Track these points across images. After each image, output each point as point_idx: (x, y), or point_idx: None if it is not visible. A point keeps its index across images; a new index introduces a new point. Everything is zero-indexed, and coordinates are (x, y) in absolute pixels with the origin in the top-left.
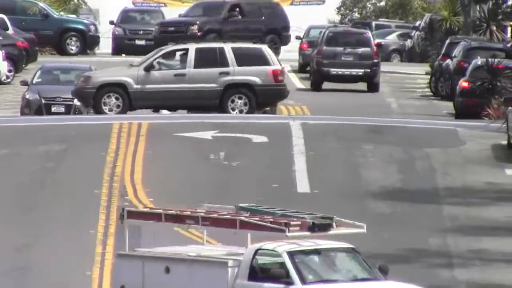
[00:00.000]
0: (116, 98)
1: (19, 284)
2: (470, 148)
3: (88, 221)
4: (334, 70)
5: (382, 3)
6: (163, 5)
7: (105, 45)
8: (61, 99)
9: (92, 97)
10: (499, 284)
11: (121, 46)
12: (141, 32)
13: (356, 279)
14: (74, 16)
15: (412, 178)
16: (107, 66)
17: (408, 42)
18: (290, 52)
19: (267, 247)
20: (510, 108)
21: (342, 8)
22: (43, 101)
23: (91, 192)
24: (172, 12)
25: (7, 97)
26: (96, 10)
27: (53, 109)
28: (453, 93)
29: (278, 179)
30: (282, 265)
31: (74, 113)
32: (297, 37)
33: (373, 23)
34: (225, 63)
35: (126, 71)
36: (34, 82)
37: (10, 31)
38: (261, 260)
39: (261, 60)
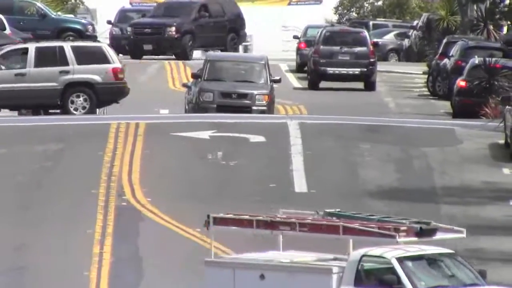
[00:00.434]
0: None
1: (17, 284)
2: (468, 147)
3: (86, 221)
4: (331, 69)
5: (380, 3)
6: None
7: None
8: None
9: None
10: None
11: (119, 46)
12: None
13: (465, 285)
14: (71, 16)
15: (409, 177)
16: None
17: (406, 42)
18: (288, 52)
19: (373, 253)
20: (507, 107)
21: (339, 7)
22: None
23: (88, 192)
24: None
25: None
26: (93, 10)
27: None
28: (450, 92)
29: (276, 178)
30: (391, 271)
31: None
32: (295, 37)
33: (371, 23)
34: (65, 62)
35: None
36: None
37: (8, 31)
38: (367, 266)
39: (101, 58)
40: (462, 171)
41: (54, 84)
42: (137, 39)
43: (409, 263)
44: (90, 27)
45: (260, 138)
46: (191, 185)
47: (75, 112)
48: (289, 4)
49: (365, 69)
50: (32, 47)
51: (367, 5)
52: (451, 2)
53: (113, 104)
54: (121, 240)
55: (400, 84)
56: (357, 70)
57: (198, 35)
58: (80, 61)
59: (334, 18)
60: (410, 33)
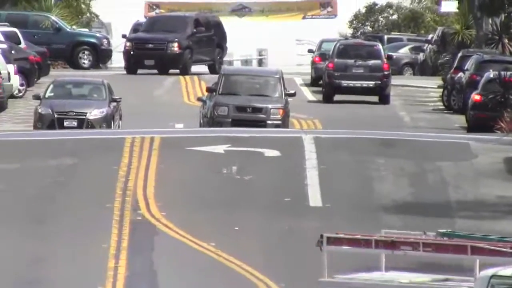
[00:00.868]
0: None
1: None
2: (482, 162)
3: (101, 235)
4: (345, 82)
5: (395, 17)
6: None
7: (118, 59)
8: (74, 113)
9: None
10: None
11: None
12: None
13: None
14: (86, 29)
15: (424, 191)
16: (117, 80)
17: (420, 56)
18: (302, 66)
19: (504, 273)
20: None
21: (354, 21)
22: (55, 115)
23: (103, 206)
24: None
25: (19, 111)
26: (108, 24)
27: (66, 123)
28: (465, 106)
29: (291, 192)
30: None
31: (87, 127)
32: (309, 51)
33: (385, 37)
34: None
35: None
36: (46, 96)
37: (22, 45)
38: (497, 286)
39: None
40: (476, 185)
41: None
42: (138, 54)
43: None
44: (105, 41)
45: (275, 152)
46: (206, 200)
47: None
48: (303, 18)
49: (379, 82)
50: None
51: (381, 19)
52: (466, 16)
53: (128, 118)
54: (136, 254)
55: (415, 98)
56: (371, 83)
57: (195, 50)
58: None
59: (349, 32)
60: (425, 47)
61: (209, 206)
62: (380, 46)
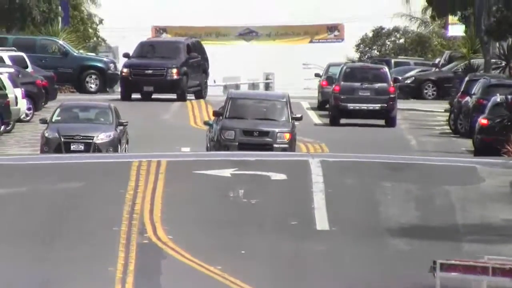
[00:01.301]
0: None
1: None
2: (489, 185)
3: (108, 259)
4: (351, 105)
5: (402, 41)
6: None
7: None
8: (80, 137)
9: None
10: None
11: None
12: None
13: None
14: (93, 54)
15: (431, 215)
16: (124, 104)
17: None
18: (309, 90)
19: None
20: None
21: (361, 45)
22: (62, 139)
23: (110, 230)
24: None
25: (26, 135)
26: (115, 48)
27: (73, 147)
28: (472, 130)
29: (297, 216)
30: None
31: (94, 151)
32: (316, 75)
33: (392, 61)
34: None
35: None
36: (53, 120)
37: (30, 69)
38: None
39: None
40: (483, 209)
41: None
42: (136, 80)
43: None
44: (112, 65)
45: (282, 176)
46: (212, 223)
47: None
48: (310, 42)
49: (386, 105)
50: None
51: (388, 43)
52: (473, 40)
53: (134, 142)
54: (142, 278)
55: (421, 121)
56: (377, 106)
57: (190, 75)
58: None
59: (356, 56)
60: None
61: (215, 229)
62: (386, 69)
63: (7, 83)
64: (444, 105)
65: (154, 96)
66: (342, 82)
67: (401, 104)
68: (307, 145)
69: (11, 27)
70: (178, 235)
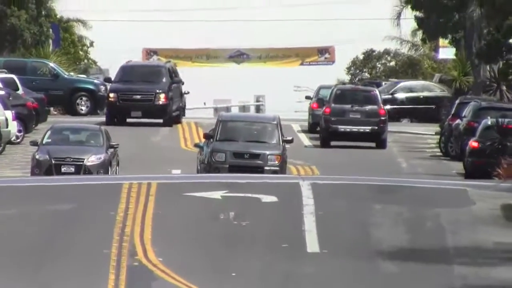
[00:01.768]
0: None
1: None
2: (480, 208)
3: (98, 281)
4: (342, 127)
5: (392, 63)
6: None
7: None
8: (71, 159)
9: None
10: None
11: None
12: None
13: None
14: (84, 76)
15: (421, 238)
16: (114, 126)
17: None
18: (300, 112)
19: None
20: None
21: (352, 68)
22: (53, 161)
23: (100, 252)
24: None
25: (17, 157)
26: (106, 70)
27: (63, 169)
28: (463, 153)
29: (288, 238)
30: None
31: (84, 173)
32: (307, 97)
33: (383, 83)
34: None
35: None
36: (44, 142)
37: (20, 91)
38: None
39: None
40: (474, 232)
41: None
42: (124, 105)
43: None
44: (102, 87)
45: (272, 198)
46: (203, 245)
47: None
48: (301, 64)
49: (376, 127)
50: None
51: (379, 65)
52: (464, 62)
53: (125, 164)
54: None
55: (412, 144)
56: (368, 128)
57: (174, 100)
58: None
59: (347, 78)
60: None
61: (206, 251)
62: (377, 91)
63: None
64: (435, 127)
65: (139, 120)
66: (332, 104)
67: (391, 126)
68: (298, 168)
69: (1, 49)
70: (169, 257)
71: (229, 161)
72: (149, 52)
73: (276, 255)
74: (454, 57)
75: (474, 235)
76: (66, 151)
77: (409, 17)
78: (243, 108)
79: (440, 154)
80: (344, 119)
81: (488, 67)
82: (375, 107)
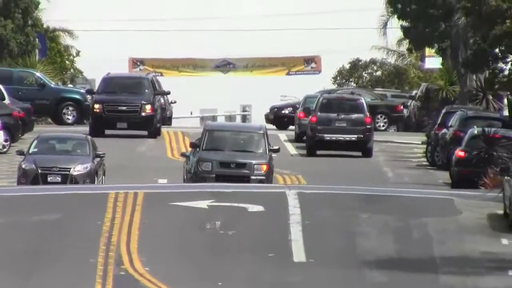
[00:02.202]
0: None
1: None
2: (467, 218)
3: None
4: (328, 136)
5: (379, 73)
6: (159, 74)
7: None
8: (57, 168)
9: None
10: None
11: None
12: None
13: None
14: (70, 85)
15: (408, 247)
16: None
17: (404, 112)
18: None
19: None
20: (506, 177)
21: (338, 77)
22: (39, 171)
23: (87, 261)
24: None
25: (3, 167)
26: (92, 80)
27: (50, 178)
28: (449, 162)
29: (274, 248)
30: None
31: (71, 183)
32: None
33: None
34: None
35: None
36: (30, 152)
37: (7, 100)
38: None
39: None
40: (461, 241)
41: None
42: (110, 116)
43: None
44: (89, 97)
45: (259, 208)
46: (189, 255)
47: None
48: (287, 74)
49: (362, 136)
50: None
51: (365, 75)
52: (450, 72)
53: (111, 174)
54: None
55: (398, 154)
56: (353, 137)
57: (157, 111)
58: None
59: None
60: (408, 103)
61: (192, 261)
62: (363, 100)
63: None
64: (421, 137)
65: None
66: (318, 113)
67: (378, 136)
68: (284, 177)
69: None
70: (155, 267)
71: (215, 170)
72: (136, 62)
73: (262, 264)
74: (441, 66)
75: (460, 245)
76: (52, 161)
77: (396, 26)
78: (229, 118)
79: (427, 163)
80: (330, 128)
81: (474, 77)
82: (361, 115)
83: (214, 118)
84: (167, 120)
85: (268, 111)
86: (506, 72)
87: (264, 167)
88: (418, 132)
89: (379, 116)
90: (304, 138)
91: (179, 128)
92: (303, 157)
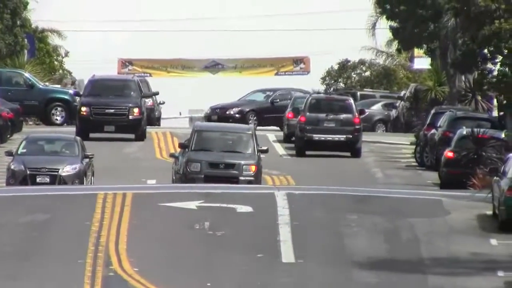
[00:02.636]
0: None
1: None
2: (455, 218)
3: None
4: (316, 136)
5: (367, 73)
6: (148, 75)
7: None
8: (46, 169)
9: None
10: None
11: None
12: None
13: None
14: (59, 86)
15: (397, 248)
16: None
17: (393, 112)
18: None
19: None
20: (495, 178)
21: (327, 78)
22: (28, 172)
23: (75, 262)
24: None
25: None
26: (80, 81)
27: (38, 179)
28: (438, 163)
29: (263, 248)
30: None
31: (59, 183)
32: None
33: (358, 93)
34: None
35: None
36: (19, 152)
37: None
38: None
39: None
40: (450, 242)
41: None
42: (98, 120)
43: None
44: (77, 98)
45: (248, 208)
46: (178, 255)
47: None
48: (276, 74)
49: (351, 136)
50: None
51: (354, 75)
52: (439, 72)
53: (100, 174)
54: None
55: (387, 154)
56: (342, 137)
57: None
58: None
59: (322, 88)
60: (397, 104)
61: (181, 261)
62: (351, 101)
63: None
64: (410, 137)
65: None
66: (307, 113)
67: (367, 136)
68: (273, 178)
69: None
70: (144, 267)
71: (204, 171)
72: (124, 63)
73: (251, 265)
74: (429, 67)
75: (449, 245)
76: (41, 161)
77: (385, 27)
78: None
79: (416, 164)
80: (319, 128)
81: (463, 77)
82: (349, 115)
83: (203, 118)
84: (156, 121)
85: (209, 111)
86: (495, 73)
87: (253, 168)
88: (407, 132)
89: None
90: (293, 138)
91: (168, 129)
92: (292, 157)
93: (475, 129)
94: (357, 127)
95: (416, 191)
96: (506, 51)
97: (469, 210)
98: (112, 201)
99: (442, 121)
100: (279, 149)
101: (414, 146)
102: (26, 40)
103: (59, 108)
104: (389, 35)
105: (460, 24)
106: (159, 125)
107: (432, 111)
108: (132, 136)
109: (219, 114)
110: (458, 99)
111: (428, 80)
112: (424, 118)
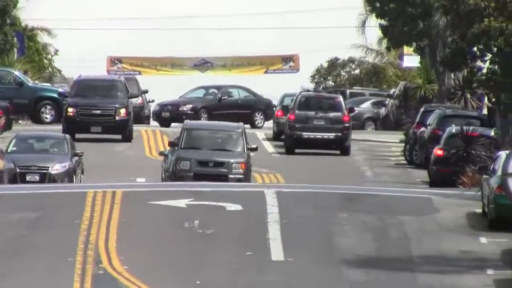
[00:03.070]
0: None
1: None
2: (445, 216)
3: None
4: (306, 134)
5: (357, 71)
6: (137, 73)
7: None
8: (36, 167)
9: None
10: None
11: None
12: None
13: None
14: (48, 84)
15: (386, 246)
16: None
17: (382, 110)
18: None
19: None
20: (484, 176)
21: (316, 76)
22: (17, 170)
23: (65, 260)
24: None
25: None
26: (70, 79)
27: (28, 177)
28: (427, 161)
29: (252, 247)
30: None
31: (49, 182)
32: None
33: (348, 91)
34: None
35: None
36: (9, 150)
37: None
38: None
39: None
40: (439, 240)
41: None
42: (84, 120)
43: None
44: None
45: (237, 207)
46: (168, 254)
47: None
48: (265, 72)
49: (340, 134)
50: None
51: (344, 73)
52: (428, 70)
53: (90, 173)
54: None
55: (377, 152)
56: (332, 135)
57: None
58: None
59: (311, 86)
60: (387, 102)
61: (170, 260)
62: (341, 99)
63: None
64: (400, 135)
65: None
66: (297, 111)
67: (356, 134)
68: (263, 176)
69: None
70: (133, 265)
71: (193, 169)
72: (114, 61)
73: (240, 263)
74: (419, 65)
75: (439, 244)
76: (31, 160)
77: (375, 25)
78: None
79: (405, 162)
80: (308, 126)
81: (452, 75)
82: (339, 114)
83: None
84: (145, 119)
85: (157, 107)
86: (484, 71)
87: (242, 166)
88: (397, 130)
89: (256, 114)
90: (283, 136)
91: (157, 127)
92: (281, 155)
93: (465, 127)
94: (346, 125)
95: (406, 189)
96: (495, 49)
97: (458, 208)
98: (102, 199)
99: (432, 119)
100: (269, 147)
101: (403, 144)
102: (15, 38)
103: (48, 107)
104: (378, 33)
105: (450, 22)
106: (148, 123)
107: (422, 109)
108: (119, 137)
109: (170, 110)
110: (447, 97)
111: (418, 78)
112: (414, 116)
